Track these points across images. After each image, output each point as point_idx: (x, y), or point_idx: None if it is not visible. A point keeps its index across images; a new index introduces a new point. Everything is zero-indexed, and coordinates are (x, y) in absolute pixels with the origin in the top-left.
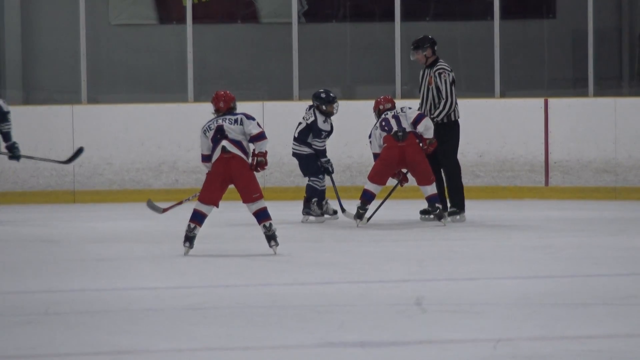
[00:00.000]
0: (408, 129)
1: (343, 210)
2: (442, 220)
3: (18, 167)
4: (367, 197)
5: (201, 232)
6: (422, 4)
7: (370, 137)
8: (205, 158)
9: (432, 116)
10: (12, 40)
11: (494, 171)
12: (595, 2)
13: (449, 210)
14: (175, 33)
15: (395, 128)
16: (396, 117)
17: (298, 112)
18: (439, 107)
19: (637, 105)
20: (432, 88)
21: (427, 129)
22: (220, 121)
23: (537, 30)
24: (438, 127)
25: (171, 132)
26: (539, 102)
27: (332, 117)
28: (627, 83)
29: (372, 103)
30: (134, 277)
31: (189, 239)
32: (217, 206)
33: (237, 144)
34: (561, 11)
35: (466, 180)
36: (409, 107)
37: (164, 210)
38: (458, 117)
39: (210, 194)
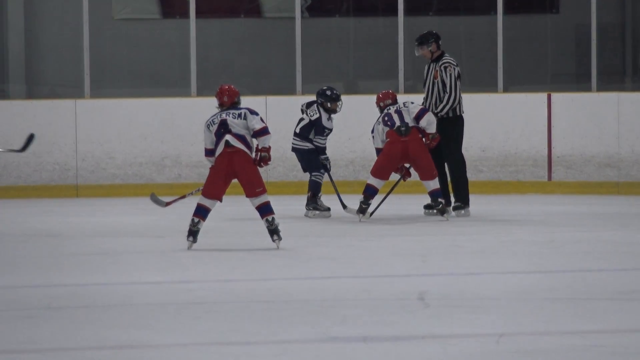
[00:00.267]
0: (411, 123)
1: (344, 206)
2: (445, 215)
3: (21, 162)
4: (369, 192)
5: (204, 226)
6: None
7: (373, 132)
8: (209, 152)
9: (435, 111)
10: (15, 34)
11: (496, 166)
12: None
13: (453, 205)
14: (178, 27)
15: (397, 123)
16: (399, 112)
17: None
18: (442, 102)
19: None
20: (437, 82)
21: (429, 123)
22: (224, 115)
23: (540, 25)
24: (443, 121)
25: (174, 127)
26: (542, 96)
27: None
28: (630, 78)
29: (375, 98)
30: (137, 272)
31: (193, 233)
32: (221, 200)
33: (240, 138)
34: (564, 6)
35: (469, 174)
36: (411, 101)
37: (167, 204)
38: (463, 112)
39: (214, 188)
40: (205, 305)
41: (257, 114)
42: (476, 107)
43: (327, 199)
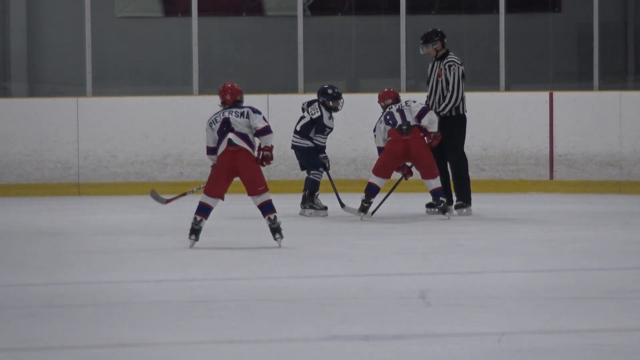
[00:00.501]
0: (412, 122)
1: (342, 205)
2: (447, 213)
3: (23, 160)
4: (371, 191)
5: (206, 224)
6: None
7: (374, 130)
8: (211, 150)
9: (438, 109)
10: (17, 32)
11: (498, 164)
12: None
13: (455, 203)
14: (181, 25)
15: (399, 122)
16: (400, 111)
17: None
18: (445, 100)
19: None
20: (441, 80)
21: (431, 122)
22: (226, 114)
23: (542, 23)
24: (445, 120)
25: (176, 125)
26: (544, 95)
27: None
28: (632, 77)
29: (376, 96)
30: (138, 270)
31: (195, 231)
32: (223, 199)
33: (243, 136)
34: (566, 5)
35: (471, 173)
36: (413, 100)
37: (168, 201)
38: (466, 111)
39: (216, 186)
40: (206, 303)
41: (259, 112)
42: (478, 106)
43: (325, 197)
